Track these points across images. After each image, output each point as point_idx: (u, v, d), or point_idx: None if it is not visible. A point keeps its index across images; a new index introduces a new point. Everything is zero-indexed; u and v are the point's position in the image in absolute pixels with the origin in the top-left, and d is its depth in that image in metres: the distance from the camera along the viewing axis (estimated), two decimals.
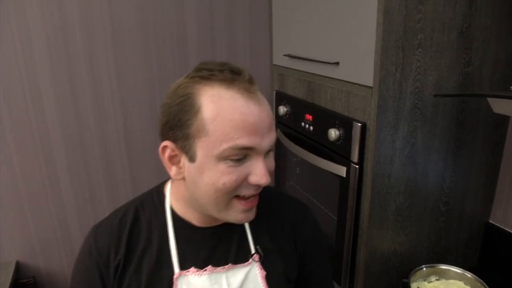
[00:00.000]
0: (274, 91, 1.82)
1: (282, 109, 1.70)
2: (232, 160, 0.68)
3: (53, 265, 1.79)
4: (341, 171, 1.32)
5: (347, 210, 1.34)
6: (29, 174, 1.65)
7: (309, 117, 1.50)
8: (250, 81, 0.71)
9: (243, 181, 0.71)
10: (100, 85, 1.67)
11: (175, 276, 0.78)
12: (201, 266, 0.80)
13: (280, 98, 1.75)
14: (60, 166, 1.69)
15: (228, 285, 0.79)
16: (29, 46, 1.53)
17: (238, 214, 0.75)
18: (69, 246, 1.78)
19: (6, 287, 1.51)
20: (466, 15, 1.18)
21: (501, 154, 1.43)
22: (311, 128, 1.49)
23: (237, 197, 0.73)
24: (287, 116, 1.70)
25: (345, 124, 1.28)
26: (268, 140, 0.70)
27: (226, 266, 0.80)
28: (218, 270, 0.80)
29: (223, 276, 0.80)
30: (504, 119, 1.37)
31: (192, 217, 0.83)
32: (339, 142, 1.32)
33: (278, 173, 1.94)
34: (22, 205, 1.67)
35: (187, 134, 0.69)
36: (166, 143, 0.73)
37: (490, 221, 1.49)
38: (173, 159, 0.74)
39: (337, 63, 1.30)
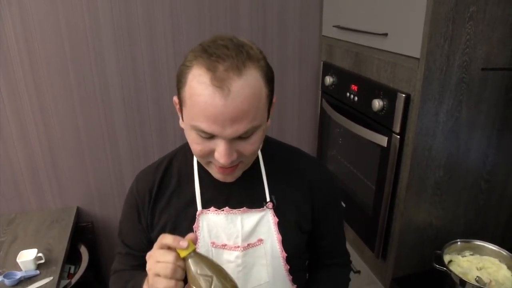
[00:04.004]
0: (322, 62, 1.85)
1: (328, 80, 1.73)
2: (200, 135, 0.75)
3: (108, 212, 1.97)
4: (382, 141, 1.35)
5: (385, 179, 1.37)
6: (90, 129, 1.81)
7: (354, 87, 1.52)
8: (238, 68, 0.69)
9: (210, 153, 0.77)
10: (157, 48, 1.78)
11: (197, 213, 0.90)
12: (219, 207, 0.90)
13: (327, 68, 1.78)
14: (118, 122, 1.83)
15: (242, 226, 0.90)
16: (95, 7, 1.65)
17: (216, 174, 0.83)
18: (123, 196, 1.89)
19: (69, 228, 1.71)
20: None
21: None
22: (356, 98, 1.52)
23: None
24: (333, 86, 1.73)
25: (390, 95, 1.30)
26: (231, 131, 0.71)
27: (241, 209, 0.90)
28: (234, 211, 0.90)
29: (239, 217, 0.90)
30: None
31: None
32: (383, 113, 1.34)
33: (320, 142, 1.99)
34: (83, 157, 1.84)
35: (180, 97, 0.76)
36: (175, 98, 0.82)
37: None
38: (180, 110, 0.83)
39: (386, 34, 1.32)
